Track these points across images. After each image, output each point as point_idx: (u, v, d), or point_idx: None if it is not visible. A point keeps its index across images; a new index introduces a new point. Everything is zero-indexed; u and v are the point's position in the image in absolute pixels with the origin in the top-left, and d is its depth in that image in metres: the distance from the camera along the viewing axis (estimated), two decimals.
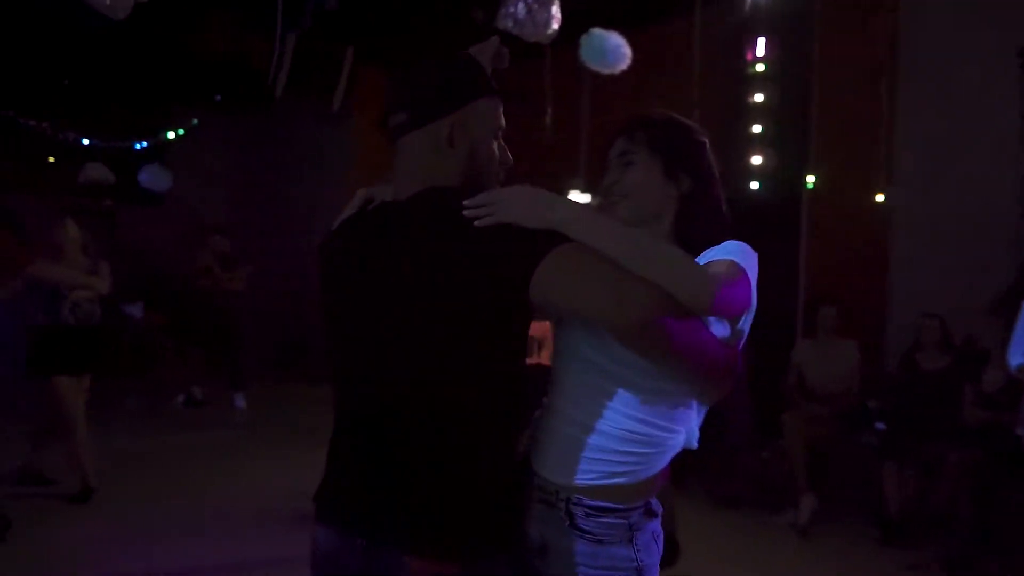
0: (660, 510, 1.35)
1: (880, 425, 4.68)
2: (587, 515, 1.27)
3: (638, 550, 1.29)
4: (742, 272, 1.22)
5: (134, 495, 4.44)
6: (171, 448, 5.65)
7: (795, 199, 5.45)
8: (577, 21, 4.27)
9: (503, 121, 1.35)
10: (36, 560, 3.55)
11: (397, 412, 1.21)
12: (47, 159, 8.36)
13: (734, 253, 1.26)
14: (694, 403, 1.33)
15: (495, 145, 1.34)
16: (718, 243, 1.31)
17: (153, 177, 8.32)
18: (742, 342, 1.29)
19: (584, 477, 1.28)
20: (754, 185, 5.53)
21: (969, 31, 5.13)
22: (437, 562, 1.16)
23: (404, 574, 1.16)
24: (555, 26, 3.98)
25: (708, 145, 1.40)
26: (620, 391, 1.27)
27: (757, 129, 5.59)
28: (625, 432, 1.27)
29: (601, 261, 1.12)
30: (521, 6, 3.78)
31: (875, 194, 5.25)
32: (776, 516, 4.47)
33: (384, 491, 1.21)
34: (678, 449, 1.33)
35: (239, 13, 7.05)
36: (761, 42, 5.66)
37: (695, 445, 1.35)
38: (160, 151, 9.49)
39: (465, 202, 1.17)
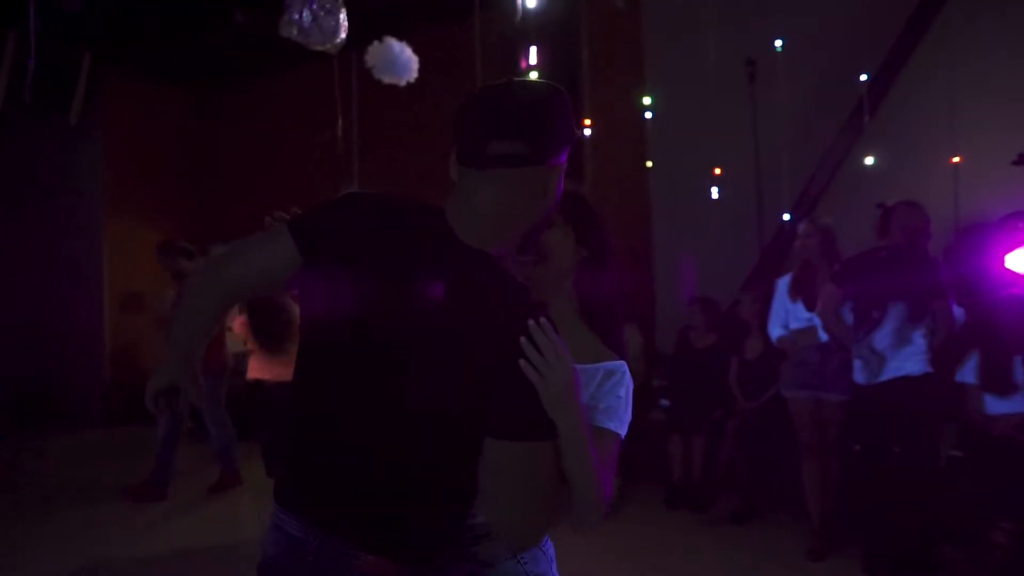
0: None
1: (664, 402, 5.14)
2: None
3: (523, 563, 1.41)
4: (615, 442, 1.42)
5: None
6: None
7: None
8: (363, 24, 4.22)
9: None
10: None
11: (401, 430, 1.22)
12: None
13: (616, 407, 1.45)
14: None
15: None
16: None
17: None
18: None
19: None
20: None
21: (706, 44, 5.82)
22: (392, 562, 1.22)
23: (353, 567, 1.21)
24: (343, 35, 3.87)
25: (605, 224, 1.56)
26: None
27: None
28: None
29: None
30: (307, 13, 3.63)
31: (638, 189, 5.78)
32: None
33: (363, 495, 1.23)
34: None
35: None
36: (533, 51, 5.98)
37: None
38: None
39: (531, 324, 1.18)
